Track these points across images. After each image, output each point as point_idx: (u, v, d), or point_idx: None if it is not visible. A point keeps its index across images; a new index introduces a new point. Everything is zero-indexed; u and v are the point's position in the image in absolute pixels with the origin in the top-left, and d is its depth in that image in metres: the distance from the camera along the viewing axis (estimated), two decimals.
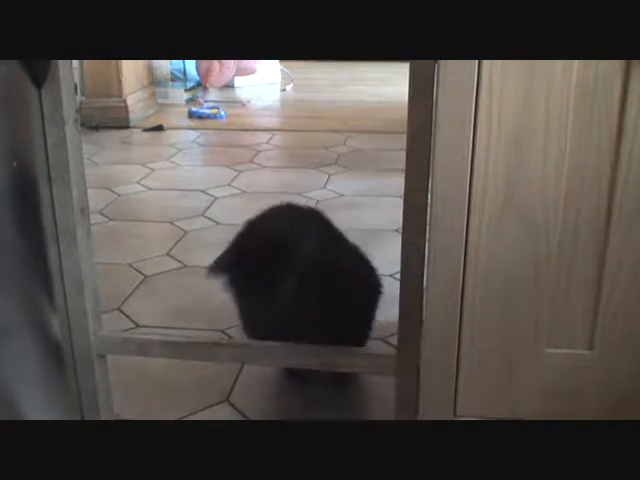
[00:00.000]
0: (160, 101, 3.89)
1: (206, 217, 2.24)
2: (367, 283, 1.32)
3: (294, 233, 1.14)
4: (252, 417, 1.27)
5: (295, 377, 1.36)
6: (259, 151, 3.07)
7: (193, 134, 3.39)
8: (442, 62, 0.87)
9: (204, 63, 4.21)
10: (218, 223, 2.19)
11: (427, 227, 0.96)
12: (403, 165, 0.94)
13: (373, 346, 1.36)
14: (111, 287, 1.70)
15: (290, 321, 1.12)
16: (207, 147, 3.33)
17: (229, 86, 4.38)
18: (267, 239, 1.13)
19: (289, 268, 1.08)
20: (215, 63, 4.21)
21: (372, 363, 1.10)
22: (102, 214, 2.28)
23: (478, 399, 1.02)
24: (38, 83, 0.98)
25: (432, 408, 1.03)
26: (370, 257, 1.34)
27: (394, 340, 1.13)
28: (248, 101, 4.07)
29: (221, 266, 1.13)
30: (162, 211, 2.35)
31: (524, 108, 0.87)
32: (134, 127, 3.43)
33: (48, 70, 0.98)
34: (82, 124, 1.12)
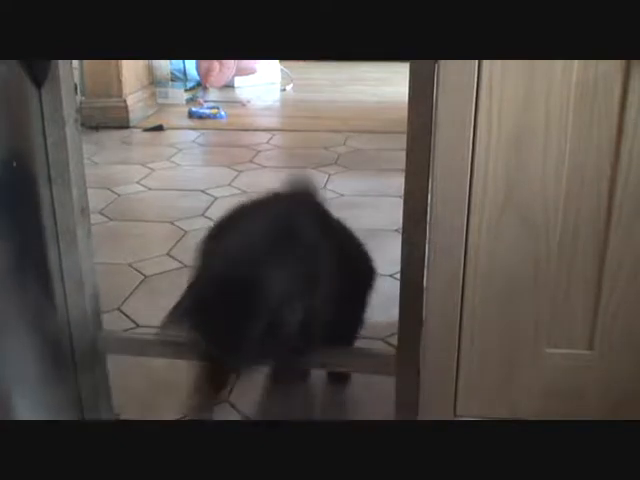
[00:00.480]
0: (160, 101, 3.89)
1: (206, 217, 2.24)
2: (357, 283, 1.21)
3: (262, 252, 0.97)
4: (252, 417, 1.27)
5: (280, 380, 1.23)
6: (259, 151, 3.07)
7: (193, 134, 3.39)
8: (442, 62, 0.87)
9: (204, 63, 4.21)
10: None
11: (427, 227, 0.96)
12: (403, 165, 0.94)
13: (373, 346, 1.36)
14: (111, 287, 1.70)
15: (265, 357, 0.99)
16: (207, 147, 3.33)
17: (229, 86, 4.37)
18: (229, 271, 0.95)
19: (257, 308, 0.92)
20: (215, 63, 4.21)
21: (372, 363, 1.10)
22: (102, 214, 2.28)
23: (478, 399, 1.02)
24: (38, 83, 0.98)
25: (432, 408, 1.03)
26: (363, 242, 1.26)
27: (394, 340, 1.12)
28: (248, 101, 4.07)
29: (180, 316, 0.95)
30: (162, 211, 2.34)
31: (524, 108, 0.87)
32: (134, 127, 3.43)
33: (48, 70, 0.98)
34: (82, 124, 1.12)
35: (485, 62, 0.86)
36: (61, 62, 0.98)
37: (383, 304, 1.33)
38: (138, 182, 2.63)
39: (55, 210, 1.04)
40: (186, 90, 4.07)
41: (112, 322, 1.53)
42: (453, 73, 0.87)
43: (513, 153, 0.89)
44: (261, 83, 4.49)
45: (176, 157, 2.99)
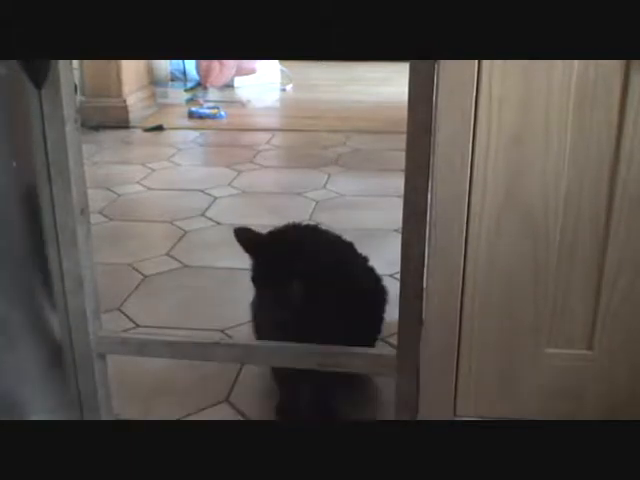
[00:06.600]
0: (160, 101, 3.89)
1: (206, 217, 2.24)
2: (375, 295, 1.33)
3: (310, 243, 1.16)
4: (252, 417, 1.27)
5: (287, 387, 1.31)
6: (259, 151, 3.07)
7: (193, 134, 3.39)
8: (442, 62, 0.87)
9: (204, 63, 4.22)
10: (218, 223, 2.19)
11: (427, 227, 0.96)
12: (403, 165, 0.94)
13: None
14: (111, 287, 1.70)
15: (298, 324, 1.13)
16: (207, 147, 3.33)
17: (229, 86, 4.38)
18: (287, 241, 1.16)
19: (301, 272, 1.10)
20: (215, 63, 4.21)
21: (372, 363, 1.10)
22: (102, 214, 2.28)
23: (478, 399, 1.02)
24: (38, 83, 0.98)
25: (432, 408, 1.03)
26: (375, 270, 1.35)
27: (394, 340, 1.12)
28: (248, 101, 4.07)
29: (246, 239, 1.15)
30: (162, 211, 2.35)
31: (524, 108, 0.87)
32: (134, 127, 3.43)
33: (48, 70, 0.97)
34: (82, 124, 1.12)
35: (485, 62, 0.86)
36: (61, 62, 0.98)
37: None
38: (138, 182, 2.63)
39: (55, 210, 1.04)
40: (186, 90, 4.07)
41: (112, 322, 1.53)
42: (453, 73, 0.87)
43: (513, 153, 0.89)
44: (261, 83, 4.49)
45: (176, 157, 2.99)
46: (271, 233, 1.18)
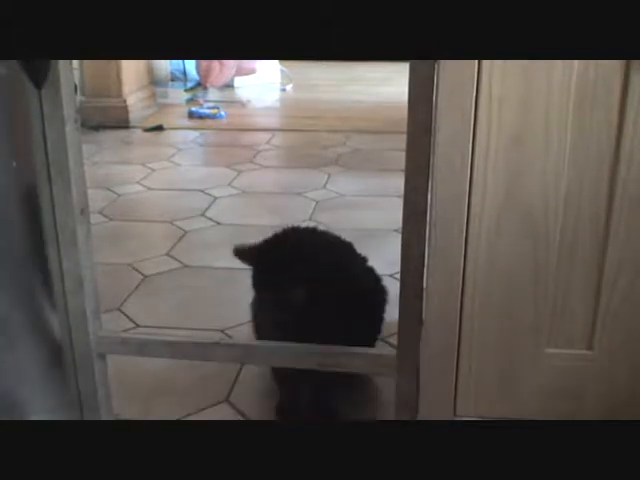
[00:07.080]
0: (160, 101, 3.89)
1: (206, 217, 2.24)
2: (375, 295, 1.33)
3: (309, 245, 1.18)
4: (252, 417, 1.27)
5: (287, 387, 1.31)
6: (259, 151, 3.07)
7: (193, 134, 3.39)
8: (442, 62, 0.87)
9: (204, 63, 4.22)
10: (218, 223, 2.19)
11: (427, 227, 0.96)
12: (403, 165, 0.94)
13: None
14: (111, 287, 1.70)
15: (299, 326, 1.13)
16: (207, 147, 3.33)
17: (229, 86, 4.38)
18: (287, 245, 1.18)
19: (302, 274, 1.10)
20: (215, 63, 4.21)
21: (372, 363, 1.10)
22: (102, 214, 2.28)
23: (478, 399, 1.02)
24: (38, 83, 0.98)
25: (432, 408, 1.03)
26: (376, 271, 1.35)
27: (394, 340, 1.13)
28: (248, 101, 4.07)
29: (246, 252, 1.17)
30: (162, 211, 2.35)
31: (524, 108, 0.87)
32: (134, 127, 3.43)
33: (48, 70, 0.97)
34: (82, 124, 1.12)
35: (485, 62, 0.86)
36: (61, 62, 0.98)
37: None
38: (138, 182, 2.63)
39: (55, 210, 1.04)
40: (186, 90, 4.07)
41: (112, 322, 1.53)
42: (453, 73, 0.87)
43: (513, 153, 0.89)
44: (261, 83, 4.49)
45: (176, 157, 2.99)
46: (270, 237, 1.18)
